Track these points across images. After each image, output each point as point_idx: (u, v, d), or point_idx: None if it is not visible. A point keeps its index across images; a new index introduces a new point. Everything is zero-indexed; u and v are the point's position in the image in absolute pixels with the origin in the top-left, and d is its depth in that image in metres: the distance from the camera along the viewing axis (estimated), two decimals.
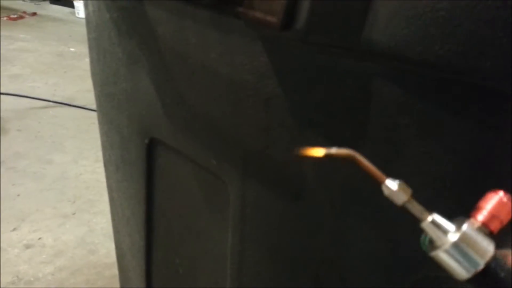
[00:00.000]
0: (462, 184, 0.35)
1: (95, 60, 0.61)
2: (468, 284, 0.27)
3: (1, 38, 3.03)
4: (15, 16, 3.55)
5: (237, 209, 0.46)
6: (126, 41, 0.51)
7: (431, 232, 0.27)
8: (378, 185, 0.28)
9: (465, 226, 0.26)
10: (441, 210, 0.27)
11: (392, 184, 0.27)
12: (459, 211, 0.28)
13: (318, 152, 0.30)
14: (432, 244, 0.27)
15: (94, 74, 0.63)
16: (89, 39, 0.62)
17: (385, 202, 0.28)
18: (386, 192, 0.27)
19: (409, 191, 0.27)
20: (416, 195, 0.27)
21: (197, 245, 0.56)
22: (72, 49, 3.01)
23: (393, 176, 0.28)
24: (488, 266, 0.26)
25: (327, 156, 0.30)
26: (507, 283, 0.26)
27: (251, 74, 0.38)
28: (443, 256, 0.26)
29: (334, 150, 0.29)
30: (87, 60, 2.49)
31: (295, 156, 0.35)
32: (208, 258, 0.55)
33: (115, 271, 1.33)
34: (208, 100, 0.43)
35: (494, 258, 0.26)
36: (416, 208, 0.27)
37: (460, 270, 0.26)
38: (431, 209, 0.27)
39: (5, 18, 3.48)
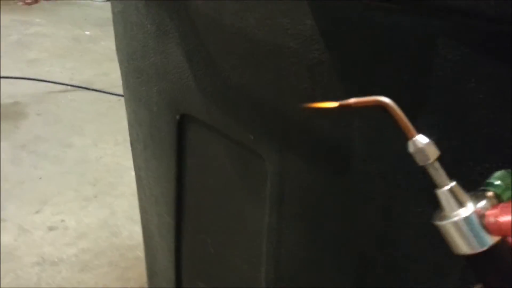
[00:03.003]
0: None
1: (121, 34, 0.59)
2: (465, 259, 0.26)
3: (18, 23, 3.04)
4: (30, 1, 3.55)
5: (275, 185, 0.44)
6: (155, 12, 0.49)
7: (445, 200, 0.25)
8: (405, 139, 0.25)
9: (482, 203, 0.25)
10: None
11: (422, 141, 0.25)
12: None
13: (331, 103, 0.28)
14: (441, 213, 0.26)
15: (120, 50, 0.62)
16: (113, 13, 0.60)
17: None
18: (411, 148, 0.25)
19: (437, 153, 0.25)
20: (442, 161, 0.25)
21: (230, 224, 0.54)
22: (87, 33, 3.00)
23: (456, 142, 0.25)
24: (494, 247, 0.25)
25: (356, 105, 0.27)
26: (508, 267, 0.25)
27: (294, 39, 0.35)
28: (450, 227, 0.25)
29: (361, 99, 0.27)
30: (103, 43, 2.49)
31: (306, 109, 0.33)
32: (242, 236, 0.53)
33: (138, 253, 1.34)
34: (246, 70, 0.41)
35: (502, 241, 0.25)
36: (438, 173, 0.25)
37: (464, 245, 0.25)
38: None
39: (20, 3, 3.48)
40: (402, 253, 0.37)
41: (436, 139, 0.29)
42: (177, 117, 0.53)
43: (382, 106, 0.26)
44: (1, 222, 1.40)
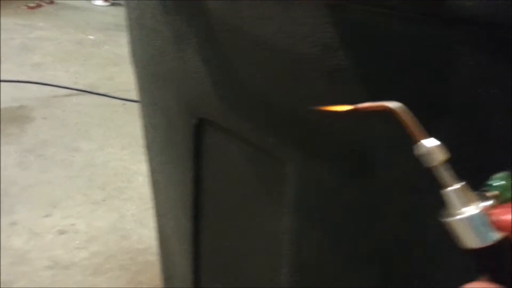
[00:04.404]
0: None
1: (136, 40, 0.59)
2: (472, 253, 0.27)
3: (21, 27, 3.05)
4: (33, 5, 3.56)
5: (295, 188, 0.45)
6: (173, 18, 0.49)
7: (453, 199, 0.27)
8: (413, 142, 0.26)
9: (486, 202, 0.26)
10: None
11: (428, 144, 0.26)
12: None
13: (342, 107, 0.29)
14: (448, 211, 0.27)
15: (135, 55, 0.62)
16: (129, 19, 0.61)
17: (465, 177, 0.27)
18: (420, 150, 0.26)
19: (444, 155, 0.26)
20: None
21: (249, 227, 0.55)
22: (90, 37, 3.01)
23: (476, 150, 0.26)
24: (498, 243, 0.26)
25: (364, 110, 0.28)
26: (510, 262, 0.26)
27: (314, 46, 0.36)
28: (457, 224, 0.27)
29: (369, 104, 0.28)
30: (106, 47, 2.51)
31: (318, 111, 0.34)
32: (261, 239, 0.53)
33: (148, 256, 1.35)
34: (265, 76, 0.42)
35: (506, 238, 0.26)
36: (446, 174, 0.27)
37: (470, 241, 0.27)
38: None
39: (23, 7, 3.50)
40: (425, 256, 0.37)
41: (456, 143, 0.30)
42: (194, 121, 0.53)
43: (390, 111, 0.27)
44: (12, 225, 1.41)
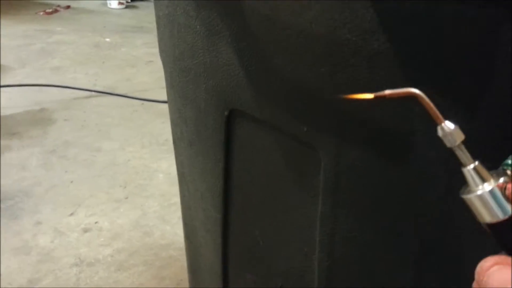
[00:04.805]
0: None
1: (166, 37, 0.61)
2: (491, 229, 0.29)
3: (40, 32, 3.11)
4: (50, 10, 3.63)
5: (330, 174, 0.46)
6: (206, 13, 0.51)
7: (470, 177, 0.29)
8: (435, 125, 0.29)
9: (502, 179, 0.29)
10: None
11: (450, 126, 0.29)
12: None
13: (367, 95, 0.31)
14: (467, 188, 0.30)
15: (164, 51, 0.64)
16: (159, 17, 0.62)
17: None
18: (440, 133, 0.29)
19: (462, 136, 0.29)
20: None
21: (281, 215, 0.56)
22: (107, 40, 3.05)
23: None
24: None
25: (389, 96, 0.30)
26: None
27: (353, 32, 0.37)
28: (475, 200, 0.29)
29: (395, 90, 0.30)
30: (123, 49, 2.56)
31: (344, 100, 0.35)
32: (292, 227, 0.55)
33: (171, 251, 1.37)
34: (301, 64, 0.43)
35: None
36: (464, 154, 0.29)
37: (488, 215, 0.29)
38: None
39: (41, 13, 3.57)
40: (463, 239, 0.38)
41: (496, 125, 0.30)
42: (226, 113, 0.55)
43: (414, 97, 0.30)
44: (38, 225, 1.44)
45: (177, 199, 1.57)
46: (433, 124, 0.32)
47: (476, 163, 0.29)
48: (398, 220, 0.42)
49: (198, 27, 0.52)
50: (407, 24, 0.34)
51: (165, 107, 2.15)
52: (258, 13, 0.44)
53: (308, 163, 0.48)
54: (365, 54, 0.37)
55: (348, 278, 0.51)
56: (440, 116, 0.29)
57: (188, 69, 0.57)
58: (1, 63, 2.59)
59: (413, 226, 0.41)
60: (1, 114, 2.07)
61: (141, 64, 2.66)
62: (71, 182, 1.64)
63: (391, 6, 0.34)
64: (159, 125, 2.03)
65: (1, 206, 1.52)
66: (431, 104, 0.29)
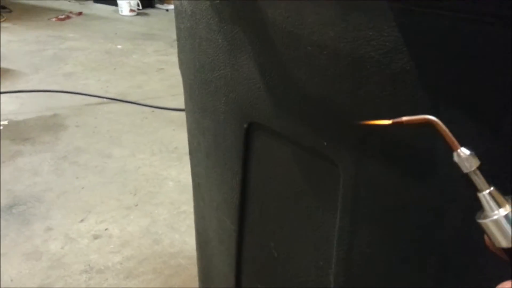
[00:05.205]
0: None
1: (187, 49, 0.62)
2: (507, 253, 0.30)
3: (53, 38, 3.15)
4: (63, 16, 3.68)
5: (349, 189, 0.46)
6: (228, 28, 0.51)
7: (485, 202, 0.30)
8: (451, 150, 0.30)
9: None
10: None
11: (465, 152, 0.30)
12: None
13: (385, 121, 0.33)
14: (483, 213, 0.30)
15: (184, 63, 0.65)
16: (180, 29, 0.63)
17: None
18: (456, 158, 0.30)
19: (477, 162, 0.30)
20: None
21: (297, 228, 0.56)
22: (119, 46, 3.09)
23: None
24: None
25: (406, 123, 0.31)
26: None
27: (377, 49, 0.37)
28: (490, 224, 0.30)
29: (412, 117, 0.31)
30: (134, 56, 2.58)
31: (362, 126, 0.36)
32: (309, 240, 0.55)
33: (180, 260, 1.37)
34: (323, 80, 0.43)
35: None
36: (479, 179, 0.30)
37: (503, 240, 0.30)
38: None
39: (53, 19, 3.62)
40: (483, 258, 0.38)
41: None
42: (245, 125, 0.55)
43: (430, 123, 0.31)
44: (48, 231, 1.45)
45: (186, 207, 1.58)
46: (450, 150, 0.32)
47: (492, 188, 0.30)
48: (417, 237, 0.42)
49: (220, 41, 0.53)
50: (431, 43, 0.34)
51: (175, 114, 2.17)
52: (281, 29, 0.45)
53: (326, 177, 0.49)
54: (388, 72, 0.37)
55: None
56: (456, 142, 0.30)
57: (209, 82, 0.58)
58: (14, 68, 2.63)
59: (432, 244, 0.41)
60: (14, 119, 2.09)
61: (152, 71, 2.68)
62: (82, 188, 1.66)
63: (416, 24, 0.35)
64: (169, 133, 2.04)
65: (13, 211, 1.53)
66: (447, 131, 0.30)
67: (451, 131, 0.31)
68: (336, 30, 0.40)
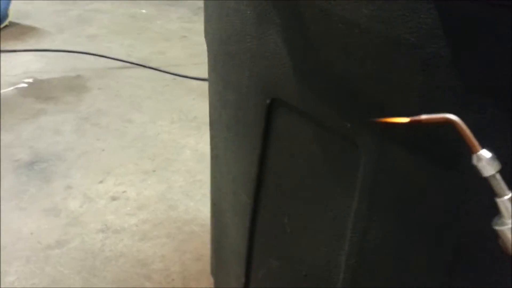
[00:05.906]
0: None
1: (214, 19, 0.61)
2: None
3: None
4: None
5: (369, 173, 0.46)
6: (257, 0, 0.50)
7: (504, 208, 0.29)
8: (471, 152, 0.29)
9: None
10: None
11: (486, 155, 0.29)
12: None
13: (403, 119, 0.32)
14: (500, 219, 0.29)
15: (210, 33, 0.64)
16: None
17: None
18: (476, 161, 0.29)
19: (498, 166, 0.28)
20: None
21: (312, 207, 0.56)
22: (143, 11, 3.07)
23: None
24: None
25: (426, 121, 0.31)
26: None
27: (413, 32, 0.36)
28: (507, 232, 0.29)
29: (431, 115, 0.30)
30: (158, 22, 2.56)
31: (379, 123, 0.35)
32: (323, 220, 0.55)
33: (193, 227, 1.40)
34: (352, 60, 0.42)
35: None
36: (499, 184, 0.29)
37: None
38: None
39: None
40: (499, 252, 0.38)
41: None
42: (268, 101, 0.55)
43: (451, 123, 0.30)
44: (68, 189, 1.49)
45: (202, 176, 1.60)
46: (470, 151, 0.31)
47: (511, 194, 0.29)
48: (434, 227, 0.42)
49: (248, 12, 0.52)
50: (469, 29, 0.33)
51: (196, 83, 2.16)
52: (312, 4, 0.43)
53: (346, 160, 0.48)
54: (421, 56, 0.36)
55: (375, 278, 0.51)
56: (476, 144, 0.29)
57: (234, 54, 0.57)
58: (39, 27, 2.64)
59: (448, 237, 0.41)
60: (38, 78, 2.12)
61: (175, 39, 2.66)
62: (103, 150, 1.69)
63: (454, 9, 0.33)
64: (189, 102, 2.04)
65: (35, 167, 1.57)
66: (468, 131, 0.29)
67: (479, 124, 0.30)
68: (370, 8, 0.38)
